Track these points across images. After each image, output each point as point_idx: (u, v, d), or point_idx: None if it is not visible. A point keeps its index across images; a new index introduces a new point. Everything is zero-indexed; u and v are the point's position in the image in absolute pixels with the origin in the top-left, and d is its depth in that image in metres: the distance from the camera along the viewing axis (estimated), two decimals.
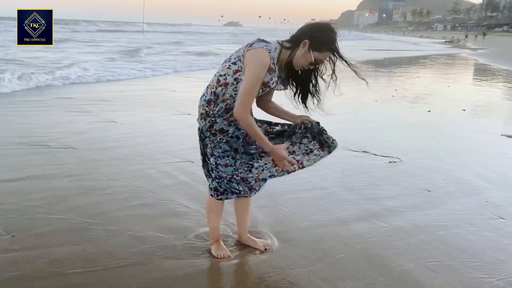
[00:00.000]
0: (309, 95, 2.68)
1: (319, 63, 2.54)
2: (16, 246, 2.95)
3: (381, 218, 3.65)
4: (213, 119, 2.53)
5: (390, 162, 5.20)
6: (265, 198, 3.87)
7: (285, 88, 2.70)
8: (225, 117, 2.52)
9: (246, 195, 2.75)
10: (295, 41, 2.50)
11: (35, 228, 3.22)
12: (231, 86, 2.46)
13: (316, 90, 2.67)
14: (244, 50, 2.45)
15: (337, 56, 2.48)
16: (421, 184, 4.50)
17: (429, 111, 8.69)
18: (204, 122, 2.56)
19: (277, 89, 2.67)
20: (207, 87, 2.57)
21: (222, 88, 2.47)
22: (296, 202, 3.97)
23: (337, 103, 9.32)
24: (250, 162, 2.68)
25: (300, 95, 2.69)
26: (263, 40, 2.48)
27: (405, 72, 19.43)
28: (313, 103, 2.68)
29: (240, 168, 2.64)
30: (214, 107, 2.51)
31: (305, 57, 2.47)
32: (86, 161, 4.81)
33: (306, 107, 2.70)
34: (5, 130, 6.10)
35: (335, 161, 5.17)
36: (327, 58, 2.53)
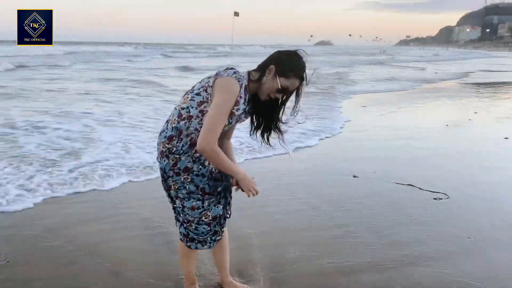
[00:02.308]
0: (271, 129, 2.47)
1: (287, 92, 2.34)
2: None
3: (400, 270, 3.13)
4: (177, 156, 2.32)
5: (435, 199, 4.55)
6: (274, 234, 3.54)
7: (246, 118, 2.47)
8: (189, 154, 2.32)
9: (218, 237, 2.55)
10: (262, 69, 2.34)
11: None
12: (195, 119, 2.27)
13: (278, 124, 2.46)
14: (210, 80, 2.29)
15: (302, 86, 2.32)
16: (463, 228, 3.85)
17: (506, 138, 7.66)
18: (166, 160, 2.35)
19: (238, 121, 2.43)
20: (167, 122, 2.37)
21: (186, 122, 2.28)
22: (308, 241, 3.57)
23: (398, 127, 8.88)
24: (218, 200, 2.47)
25: (262, 129, 2.48)
26: (232, 68, 2.32)
27: (495, 92, 17.54)
28: (277, 136, 2.49)
29: (207, 208, 2.41)
30: (177, 143, 2.31)
31: (271, 83, 2.29)
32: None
33: (268, 142, 2.49)
34: None
35: (372, 193, 4.70)
36: (296, 87, 2.33)
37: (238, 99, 2.24)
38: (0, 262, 3.09)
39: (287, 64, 2.29)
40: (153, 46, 78.50)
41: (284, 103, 2.41)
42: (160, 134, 2.39)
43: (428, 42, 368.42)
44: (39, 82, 16.18)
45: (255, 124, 2.49)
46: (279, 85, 2.28)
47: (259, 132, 2.49)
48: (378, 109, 11.24)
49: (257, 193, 2.36)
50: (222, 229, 2.56)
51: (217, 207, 2.45)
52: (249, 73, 2.36)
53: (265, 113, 2.45)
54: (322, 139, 7.51)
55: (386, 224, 3.90)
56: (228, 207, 2.56)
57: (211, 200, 2.41)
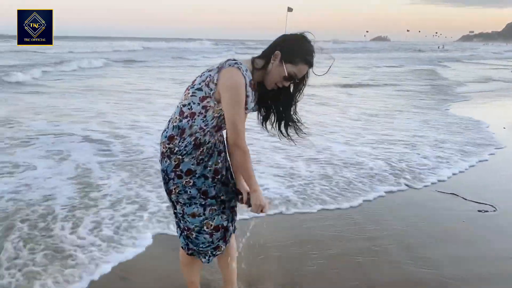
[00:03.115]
0: (283, 121, 2.28)
1: (294, 79, 2.13)
2: None
3: None
4: (180, 157, 2.16)
5: (480, 211, 4.13)
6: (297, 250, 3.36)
7: (256, 110, 2.30)
8: (193, 155, 2.16)
9: (219, 253, 2.36)
10: (267, 55, 2.14)
11: None
12: (199, 116, 2.11)
13: (291, 114, 2.27)
14: (211, 75, 2.09)
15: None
16: (507, 246, 3.43)
17: None
18: (168, 161, 2.18)
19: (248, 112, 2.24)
20: (169, 121, 2.21)
21: (188, 120, 2.12)
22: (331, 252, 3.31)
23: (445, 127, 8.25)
24: (222, 210, 2.29)
25: (276, 121, 2.29)
26: (233, 60, 2.12)
27: None
28: (292, 129, 2.29)
29: (209, 216, 2.24)
30: (179, 142, 2.15)
31: (278, 70, 2.10)
32: None
33: (286, 134, 2.29)
34: None
35: (406, 203, 4.35)
36: (304, 74, 2.14)
37: (245, 96, 2.08)
38: None
39: (294, 49, 2.09)
40: (223, 42, 79.75)
41: (299, 91, 2.21)
42: (162, 134, 2.24)
43: (494, 37, 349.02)
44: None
45: (262, 114, 2.30)
46: (286, 72, 2.09)
47: (269, 123, 2.31)
48: None
49: (263, 211, 2.19)
50: (226, 244, 2.36)
51: (221, 217, 2.27)
52: (252, 60, 2.17)
53: (274, 102, 2.26)
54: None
55: (418, 239, 3.56)
56: (232, 222, 2.38)
57: (213, 207, 2.24)
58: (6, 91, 12.05)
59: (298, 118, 2.29)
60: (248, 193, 2.23)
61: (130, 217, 3.82)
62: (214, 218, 2.25)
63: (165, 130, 2.22)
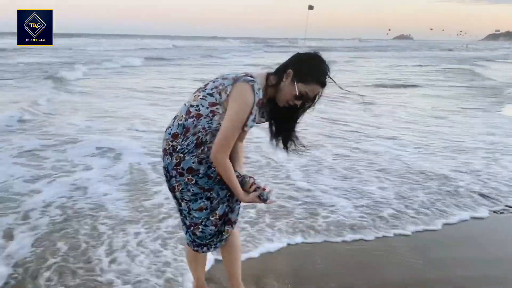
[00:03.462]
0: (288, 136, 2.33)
1: (305, 99, 2.16)
2: None
3: None
4: (181, 155, 2.20)
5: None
6: None
7: (260, 123, 2.33)
8: (194, 154, 2.19)
9: (224, 237, 2.39)
10: (280, 73, 2.18)
11: None
12: (205, 118, 2.16)
13: (293, 131, 2.31)
14: (224, 84, 2.15)
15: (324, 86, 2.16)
16: None
17: None
18: (170, 158, 2.23)
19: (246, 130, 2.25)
20: (174, 119, 2.26)
21: (194, 120, 2.17)
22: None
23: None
24: (225, 199, 2.33)
25: (279, 136, 2.34)
26: (250, 76, 2.15)
27: None
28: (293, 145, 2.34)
29: (215, 207, 2.29)
30: (182, 141, 2.19)
31: (289, 89, 2.14)
32: None
33: (287, 148, 2.34)
34: None
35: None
36: (317, 94, 2.17)
37: (249, 114, 2.12)
38: None
39: (307, 68, 2.13)
40: (248, 40, 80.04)
41: (304, 110, 2.24)
42: (166, 130, 2.27)
43: None
44: None
45: (274, 131, 2.33)
46: (297, 91, 2.12)
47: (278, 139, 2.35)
48: None
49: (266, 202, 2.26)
50: (229, 230, 2.39)
51: (225, 205, 2.33)
52: (267, 77, 2.20)
53: (283, 120, 2.29)
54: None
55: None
56: (236, 212, 2.41)
57: (220, 197, 2.29)
58: (51, 88, 11.86)
59: (297, 136, 2.33)
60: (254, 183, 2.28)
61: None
62: (219, 207, 2.29)
63: (169, 127, 2.24)
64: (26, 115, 7.68)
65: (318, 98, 2.18)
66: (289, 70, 2.13)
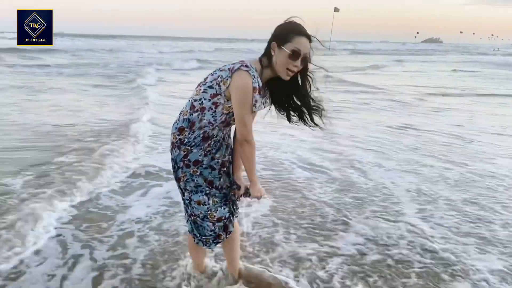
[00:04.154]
0: (306, 113, 2.40)
1: (301, 56, 2.21)
2: None
3: None
4: (188, 147, 2.36)
5: None
6: None
7: (270, 105, 2.46)
8: (201, 147, 2.36)
9: (220, 241, 2.58)
10: (267, 51, 2.30)
11: None
12: (208, 111, 2.30)
13: (310, 102, 2.38)
14: (222, 76, 2.26)
15: (312, 38, 2.23)
16: None
17: None
18: (178, 151, 2.39)
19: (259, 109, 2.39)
20: (180, 113, 2.41)
21: (198, 114, 2.31)
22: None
23: None
24: (224, 202, 2.52)
25: (298, 113, 2.42)
26: (244, 64, 2.25)
27: None
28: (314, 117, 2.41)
29: (212, 207, 2.46)
30: (189, 134, 2.34)
31: (281, 56, 2.22)
32: None
33: (312, 123, 2.41)
34: None
35: None
36: (308, 48, 2.23)
37: (253, 91, 2.21)
38: None
39: (285, 30, 2.23)
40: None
41: (305, 74, 2.32)
42: (173, 125, 2.41)
43: None
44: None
45: (287, 111, 2.43)
46: (288, 51, 2.19)
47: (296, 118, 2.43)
48: None
49: (259, 198, 2.44)
50: (227, 235, 2.56)
51: (224, 208, 2.49)
52: (260, 60, 2.32)
53: (291, 94, 2.37)
54: None
55: None
56: (233, 213, 2.59)
57: (216, 199, 2.45)
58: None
59: (318, 104, 2.38)
60: (246, 187, 2.49)
61: None
62: (217, 210, 2.46)
63: (176, 122, 2.40)
64: None
65: (311, 57, 2.25)
66: (272, 42, 2.25)
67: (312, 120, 2.39)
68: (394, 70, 24.36)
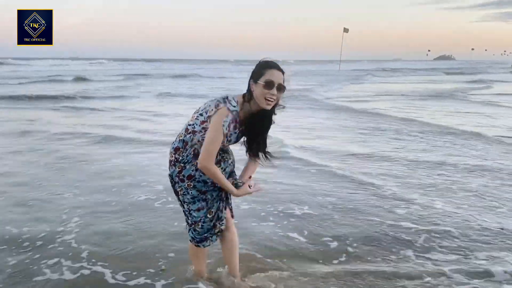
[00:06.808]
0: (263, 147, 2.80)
1: (275, 86, 2.56)
2: None
3: None
4: (182, 164, 2.72)
5: None
6: None
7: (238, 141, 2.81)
8: (193, 163, 2.70)
9: (217, 229, 2.88)
10: (248, 89, 2.65)
11: None
12: (199, 133, 2.67)
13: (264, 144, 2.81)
14: (210, 106, 2.64)
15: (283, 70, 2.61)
16: None
17: None
18: (174, 168, 2.75)
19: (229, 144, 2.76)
20: (177, 136, 2.79)
21: (191, 135, 2.69)
22: None
23: None
24: (219, 196, 2.85)
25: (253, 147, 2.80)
26: (228, 100, 2.62)
27: None
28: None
29: (210, 205, 2.80)
30: (183, 153, 2.71)
31: (258, 89, 2.57)
32: None
33: (267, 158, 2.83)
34: None
35: None
36: (281, 78, 2.59)
37: (227, 131, 2.61)
38: None
39: (256, 68, 2.62)
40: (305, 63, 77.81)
41: (277, 103, 2.67)
42: (171, 146, 2.79)
43: None
44: None
45: (250, 145, 2.81)
46: (262, 82, 2.54)
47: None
48: None
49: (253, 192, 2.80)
50: (221, 223, 2.87)
51: (219, 202, 2.83)
52: (244, 95, 2.67)
53: (258, 130, 2.75)
54: None
55: None
56: (226, 206, 2.91)
57: (214, 199, 2.79)
58: None
59: (267, 149, 2.81)
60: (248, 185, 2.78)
61: None
62: (213, 205, 2.81)
63: (173, 143, 2.78)
64: None
65: (283, 83, 2.59)
66: (250, 80, 2.63)
67: (266, 154, 2.82)
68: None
